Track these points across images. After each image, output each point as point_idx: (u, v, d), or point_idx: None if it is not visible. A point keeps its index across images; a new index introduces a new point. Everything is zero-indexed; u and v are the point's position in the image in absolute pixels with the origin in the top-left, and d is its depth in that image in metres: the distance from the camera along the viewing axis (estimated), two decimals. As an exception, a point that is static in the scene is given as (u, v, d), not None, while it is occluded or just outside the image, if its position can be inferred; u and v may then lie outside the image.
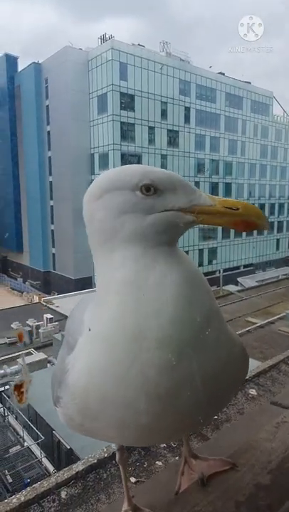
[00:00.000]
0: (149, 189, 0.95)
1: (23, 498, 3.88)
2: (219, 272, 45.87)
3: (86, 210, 1.04)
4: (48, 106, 51.00)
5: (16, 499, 3.93)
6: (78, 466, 4.58)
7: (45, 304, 35.72)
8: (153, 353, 0.88)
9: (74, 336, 1.06)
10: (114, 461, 3.20)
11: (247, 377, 6.57)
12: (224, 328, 1.03)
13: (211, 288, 1.12)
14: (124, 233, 0.96)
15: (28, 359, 21.53)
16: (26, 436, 14.99)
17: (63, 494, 3.99)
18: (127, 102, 46.76)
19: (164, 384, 0.88)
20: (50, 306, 34.00)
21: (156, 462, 4.04)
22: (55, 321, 29.07)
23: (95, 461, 4.67)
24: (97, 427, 1.01)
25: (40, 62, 52.00)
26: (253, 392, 5.57)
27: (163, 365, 0.88)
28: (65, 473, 4.48)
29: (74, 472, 4.44)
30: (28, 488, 4.17)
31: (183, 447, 1.35)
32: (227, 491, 1.01)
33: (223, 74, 54.76)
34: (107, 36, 47.96)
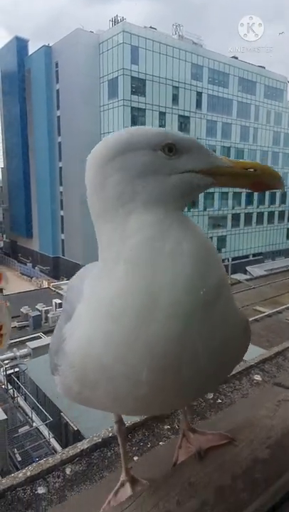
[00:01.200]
0: (172, 149, 0.93)
1: (29, 473, 3.98)
2: (228, 261, 45.67)
3: (95, 175, 1.01)
4: (58, 90, 50.51)
5: (22, 474, 4.03)
6: (83, 444, 4.67)
7: (54, 289, 36.08)
8: (163, 323, 0.85)
9: (72, 304, 1.04)
10: (118, 441, 3.21)
11: (252, 364, 6.57)
12: (231, 302, 1.01)
13: None
14: (146, 195, 0.92)
15: (37, 343, 21.92)
16: (35, 417, 15.41)
17: (68, 471, 4.08)
18: (138, 86, 46.07)
19: (169, 355, 0.86)
20: (59, 292, 34.33)
21: (160, 443, 4.09)
22: (64, 306, 29.42)
23: (100, 440, 4.75)
24: (95, 396, 0.99)
25: (50, 45, 51.32)
26: (257, 377, 5.57)
27: (171, 336, 0.86)
28: (70, 451, 4.57)
29: (79, 450, 4.53)
30: (34, 464, 4.27)
31: (181, 422, 1.35)
32: (224, 464, 1.01)
33: (237, 58, 53.45)
34: (119, 18, 47.03)
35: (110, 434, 4.88)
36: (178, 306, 0.85)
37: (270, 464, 0.97)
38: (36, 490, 3.83)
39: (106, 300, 0.91)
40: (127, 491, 1.23)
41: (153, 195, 0.92)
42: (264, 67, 56.72)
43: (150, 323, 0.85)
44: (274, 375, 5.04)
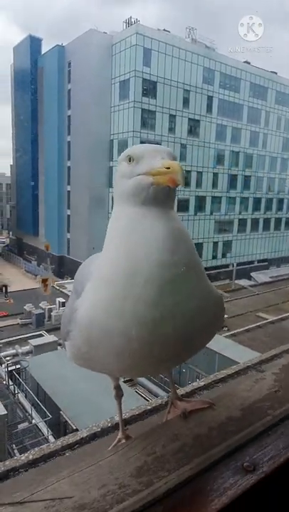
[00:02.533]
0: (130, 159, 1.22)
1: (31, 457, 4.19)
2: (233, 266, 45.69)
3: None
4: (69, 90, 50.96)
5: (24, 457, 4.24)
6: (83, 433, 4.89)
7: (58, 287, 36.31)
8: (141, 289, 1.09)
9: (82, 283, 1.30)
10: (116, 431, 3.51)
11: (249, 364, 6.73)
12: (203, 278, 1.26)
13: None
14: (120, 193, 1.24)
15: (39, 341, 22.14)
16: (34, 414, 15.59)
17: (67, 455, 4.28)
18: (149, 88, 46.37)
19: (150, 315, 1.09)
20: (63, 290, 34.53)
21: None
22: (68, 305, 29.55)
23: (99, 429, 4.96)
24: (98, 355, 1.23)
25: (64, 44, 51.83)
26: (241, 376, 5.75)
27: (149, 300, 1.09)
28: (70, 439, 4.78)
29: (79, 438, 4.74)
30: (36, 449, 4.48)
31: (170, 392, 1.60)
32: (203, 421, 1.21)
33: (249, 63, 53.58)
34: (133, 20, 47.42)
35: (109, 425, 5.08)
36: (152, 274, 1.10)
37: (240, 420, 1.17)
38: (37, 470, 4.03)
39: (103, 273, 1.19)
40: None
41: (122, 193, 1.22)
42: (276, 73, 56.80)
43: (132, 290, 1.10)
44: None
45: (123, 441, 1.44)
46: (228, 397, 1.34)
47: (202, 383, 5.76)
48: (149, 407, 5.00)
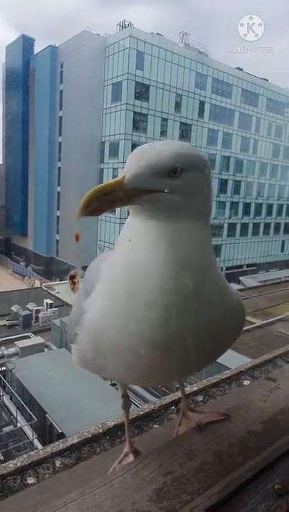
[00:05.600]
0: None
1: (19, 464, 4.02)
2: (222, 270, 45.75)
3: None
4: (61, 90, 50.67)
5: (12, 464, 4.07)
6: (73, 439, 4.73)
7: (46, 289, 35.89)
8: (142, 311, 1.00)
9: (92, 282, 1.19)
10: (108, 437, 3.38)
11: (242, 369, 6.66)
12: (220, 291, 1.14)
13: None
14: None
15: (26, 343, 21.80)
16: (19, 417, 15.28)
17: (58, 463, 4.12)
18: (142, 91, 46.41)
19: (156, 338, 1.01)
20: (51, 292, 34.12)
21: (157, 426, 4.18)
22: (55, 307, 29.25)
23: (90, 435, 4.80)
24: (107, 364, 1.13)
25: (56, 45, 51.56)
26: (246, 383, 5.64)
27: (152, 323, 1.00)
28: (61, 445, 4.62)
29: (69, 444, 4.58)
30: (25, 455, 4.31)
31: (181, 402, 1.48)
32: (221, 435, 1.12)
33: (241, 69, 54.10)
34: (126, 23, 47.44)
35: (100, 431, 4.93)
36: (151, 298, 1.00)
37: (262, 435, 1.08)
38: (26, 480, 3.87)
39: (109, 284, 1.10)
40: (131, 459, 1.33)
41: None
42: (267, 80, 57.46)
43: (134, 308, 1.02)
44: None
45: (130, 455, 1.33)
46: (243, 409, 1.25)
47: (195, 388, 5.64)
48: (142, 413, 4.88)
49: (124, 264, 1.05)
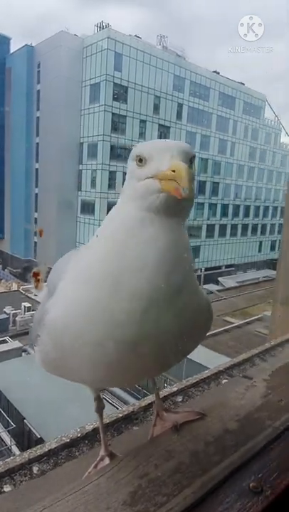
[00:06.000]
0: (141, 160, 1.05)
1: (-5, 472, 3.91)
2: (201, 271, 46.28)
3: None
4: (38, 91, 50.05)
5: (-13, 472, 3.96)
6: (51, 444, 4.63)
7: (24, 292, 35.31)
8: (125, 303, 0.97)
9: (54, 282, 1.16)
10: (86, 441, 3.33)
11: (221, 369, 6.72)
12: (195, 292, 1.14)
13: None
14: (126, 193, 1.09)
15: (3, 347, 21.36)
16: (-3, 423, 14.96)
17: (35, 469, 4.03)
18: (120, 93, 46.40)
19: (130, 331, 0.98)
20: (29, 295, 33.62)
21: (134, 427, 4.13)
22: (33, 310, 28.80)
23: (68, 440, 4.71)
24: (71, 363, 1.10)
25: (33, 45, 50.91)
26: (225, 382, 5.70)
27: (132, 316, 0.98)
28: (38, 450, 4.52)
29: (47, 449, 4.49)
30: (1, 462, 4.20)
31: (155, 403, 1.47)
32: (198, 435, 1.11)
33: (218, 73, 54.94)
34: (104, 24, 47.35)
35: (79, 435, 4.86)
36: (138, 292, 0.98)
37: (238, 433, 1.08)
38: (2, 488, 3.77)
39: (84, 273, 1.05)
40: (107, 462, 1.31)
41: (129, 194, 1.07)
42: (244, 84, 58.56)
43: (115, 301, 0.98)
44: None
45: (106, 459, 1.30)
46: (220, 407, 1.24)
47: (175, 388, 5.65)
48: (120, 415, 4.84)
49: (115, 254, 1.01)
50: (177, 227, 1.03)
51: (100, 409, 1.44)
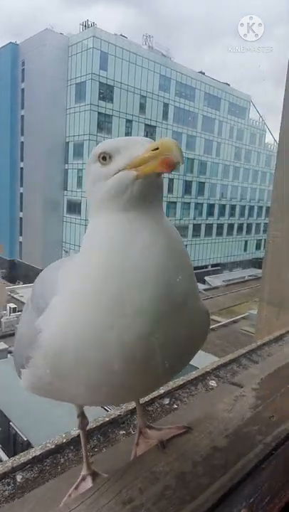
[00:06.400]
0: (105, 158, 0.99)
1: (-23, 481, 3.79)
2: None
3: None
4: (23, 89, 49.42)
5: None
6: (36, 451, 4.52)
7: (9, 293, 34.85)
8: (132, 319, 0.90)
9: (45, 296, 1.06)
10: (72, 447, 3.22)
11: (208, 370, 6.71)
12: (197, 302, 1.09)
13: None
14: (98, 199, 1.00)
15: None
16: (-19, 427, 14.69)
17: (19, 478, 3.91)
18: (106, 92, 46.19)
19: (139, 348, 0.92)
20: (14, 296, 33.23)
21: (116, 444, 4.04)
22: (19, 311, 28.43)
23: (53, 446, 4.60)
24: (66, 385, 1.02)
25: (18, 43, 50.24)
26: (213, 383, 5.67)
27: (140, 332, 0.91)
28: (22, 458, 4.40)
29: (31, 457, 4.37)
30: (-18, 472, 4.06)
31: (137, 419, 1.38)
32: (185, 453, 1.04)
33: (204, 73, 55.22)
34: (90, 23, 47.08)
35: (64, 440, 4.76)
36: (145, 306, 0.91)
37: (228, 451, 1.02)
38: (-16, 498, 3.64)
39: (82, 292, 0.96)
40: (89, 484, 1.24)
41: (101, 199, 0.99)
42: (229, 85, 58.99)
43: (121, 319, 0.91)
44: (229, 380, 5.17)
45: (88, 479, 1.22)
46: (207, 420, 1.18)
47: (162, 391, 5.61)
48: (107, 419, 4.76)
49: (109, 267, 0.93)
50: (163, 225, 0.98)
51: (83, 425, 1.37)
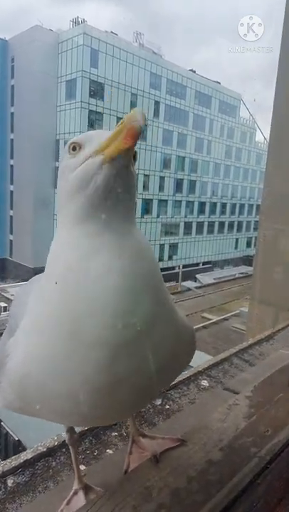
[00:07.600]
0: (75, 148, 0.92)
1: None
2: (179, 268, 46.58)
3: None
4: (13, 86, 48.90)
5: None
6: (27, 455, 4.46)
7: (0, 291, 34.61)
8: (88, 351, 0.84)
9: (16, 318, 1.00)
10: (64, 450, 3.18)
11: (200, 369, 6.70)
12: (172, 319, 0.99)
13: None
14: (62, 198, 0.92)
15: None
16: (-29, 427, 14.53)
17: (10, 482, 3.86)
18: (97, 90, 45.94)
19: (101, 380, 0.86)
20: (5, 295, 33.00)
21: (107, 450, 4.03)
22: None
23: (45, 449, 4.55)
24: (39, 412, 0.98)
25: (7, 39, 49.63)
26: (205, 383, 5.68)
27: (98, 364, 0.85)
28: (13, 462, 4.35)
29: (22, 460, 4.32)
30: (-27, 476, 4.00)
31: (130, 427, 1.36)
32: (179, 467, 1.03)
33: (194, 71, 55.26)
34: (80, 20, 46.72)
35: (56, 443, 4.72)
36: (100, 338, 0.84)
37: (223, 465, 1.00)
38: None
39: (39, 323, 0.90)
40: (81, 499, 1.20)
41: (66, 196, 0.91)
42: (219, 83, 59.12)
43: (77, 351, 0.84)
44: (221, 380, 5.18)
45: (81, 493, 1.19)
46: (201, 431, 1.17)
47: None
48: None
49: (63, 291, 0.85)
50: (131, 239, 0.89)
51: (73, 440, 1.31)
